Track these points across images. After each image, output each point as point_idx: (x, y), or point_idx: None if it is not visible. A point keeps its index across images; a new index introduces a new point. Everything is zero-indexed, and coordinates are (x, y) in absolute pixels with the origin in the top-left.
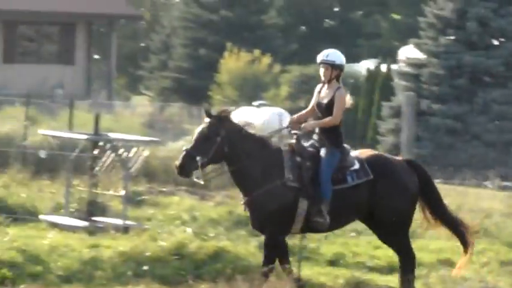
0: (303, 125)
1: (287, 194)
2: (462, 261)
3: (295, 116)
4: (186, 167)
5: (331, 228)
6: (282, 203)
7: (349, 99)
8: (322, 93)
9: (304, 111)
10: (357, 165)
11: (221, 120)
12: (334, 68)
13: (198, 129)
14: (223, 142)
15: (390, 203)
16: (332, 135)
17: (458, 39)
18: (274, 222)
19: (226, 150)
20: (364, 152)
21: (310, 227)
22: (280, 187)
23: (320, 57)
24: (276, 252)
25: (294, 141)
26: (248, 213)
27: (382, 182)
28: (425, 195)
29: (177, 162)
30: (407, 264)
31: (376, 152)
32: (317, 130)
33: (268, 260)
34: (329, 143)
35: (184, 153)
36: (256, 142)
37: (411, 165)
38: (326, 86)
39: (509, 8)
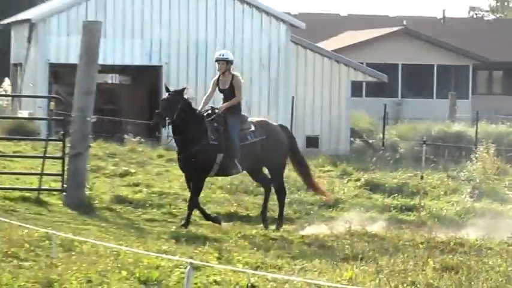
0: (219, 106)
1: (210, 150)
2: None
3: (204, 98)
4: (159, 122)
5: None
6: (208, 156)
7: (241, 80)
8: (220, 82)
9: (206, 96)
10: (252, 128)
11: (180, 94)
12: (227, 62)
13: (163, 99)
14: (181, 110)
15: (274, 154)
16: (235, 108)
17: None
18: (202, 169)
19: (182, 116)
20: (255, 119)
21: (224, 174)
22: (206, 145)
23: (217, 56)
24: (200, 190)
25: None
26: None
27: (268, 139)
28: (291, 150)
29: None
30: (282, 197)
31: (262, 119)
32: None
33: (195, 196)
34: (232, 113)
35: (157, 113)
36: (195, 114)
37: (282, 128)
38: (221, 76)
39: None
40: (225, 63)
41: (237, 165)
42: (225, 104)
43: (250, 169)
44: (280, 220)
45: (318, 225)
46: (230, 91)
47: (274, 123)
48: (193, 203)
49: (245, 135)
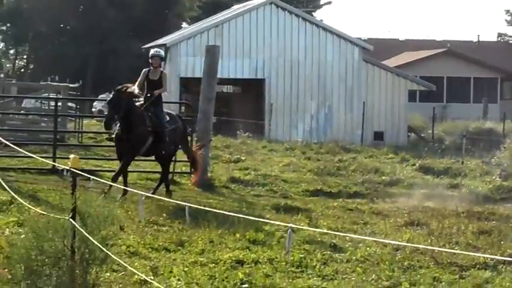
0: (154, 92)
1: (146, 134)
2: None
3: (136, 84)
4: (110, 122)
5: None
6: (144, 139)
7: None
8: (150, 74)
9: (138, 83)
10: (167, 118)
11: (123, 93)
12: (161, 59)
13: (109, 99)
14: (126, 106)
15: (182, 137)
16: (160, 99)
17: None
18: (136, 149)
19: (126, 110)
20: (165, 110)
21: (154, 153)
22: (144, 130)
23: (153, 52)
24: (127, 167)
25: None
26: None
27: (177, 127)
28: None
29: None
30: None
31: (168, 111)
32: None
33: (122, 171)
34: (158, 103)
35: (107, 113)
36: (135, 106)
37: (179, 117)
38: (152, 69)
39: None
40: (159, 59)
41: (166, 146)
42: (157, 91)
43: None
44: (156, 188)
45: (383, 199)
46: (159, 82)
47: (174, 113)
48: (118, 175)
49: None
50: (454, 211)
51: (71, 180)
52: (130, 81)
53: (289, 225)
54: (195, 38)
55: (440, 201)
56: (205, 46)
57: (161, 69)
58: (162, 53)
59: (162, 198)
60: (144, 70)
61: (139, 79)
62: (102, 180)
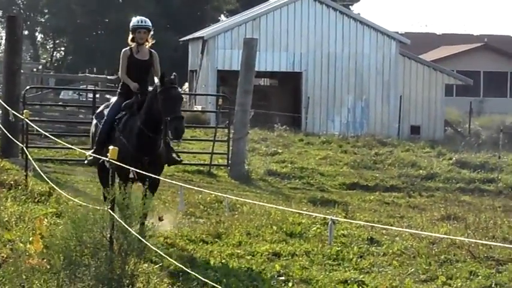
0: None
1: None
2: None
3: (126, 73)
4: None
5: None
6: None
7: None
8: (136, 54)
9: (126, 71)
10: None
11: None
12: (149, 31)
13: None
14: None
15: None
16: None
17: None
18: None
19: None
20: None
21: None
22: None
23: (137, 24)
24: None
25: None
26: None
27: None
28: None
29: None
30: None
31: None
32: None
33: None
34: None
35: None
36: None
37: None
38: (137, 47)
39: None
40: (147, 32)
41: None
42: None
43: None
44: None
45: (419, 193)
46: (150, 63)
47: None
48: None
49: None
50: (490, 205)
51: (110, 171)
52: (168, 74)
53: (330, 217)
54: (232, 31)
55: (477, 195)
56: (243, 39)
57: (148, 45)
58: (149, 22)
59: (201, 189)
60: (124, 50)
61: (121, 64)
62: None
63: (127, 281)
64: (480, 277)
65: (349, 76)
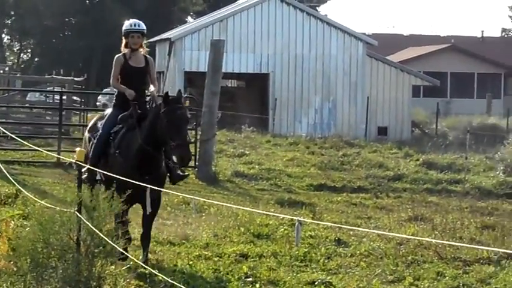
0: (152, 92)
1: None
2: None
3: (119, 81)
4: None
5: None
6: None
7: None
8: (131, 60)
9: (118, 79)
10: None
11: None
12: (143, 35)
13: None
14: None
15: None
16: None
17: None
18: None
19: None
20: None
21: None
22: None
23: (130, 27)
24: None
25: None
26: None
27: None
28: None
29: None
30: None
31: None
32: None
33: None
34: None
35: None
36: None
37: None
38: (130, 53)
39: None
40: (141, 37)
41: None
42: (153, 89)
43: None
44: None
45: (387, 194)
46: (145, 72)
47: None
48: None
49: None
50: (457, 206)
51: (77, 173)
52: None
53: (297, 218)
54: (199, 33)
55: (443, 196)
56: (210, 40)
57: (143, 50)
58: (143, 25)
59: (168, 191)
60: (117, 57)
61: (113, 71)
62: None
63: (94, 283)
64: (447, 278)
65: (316, 77)
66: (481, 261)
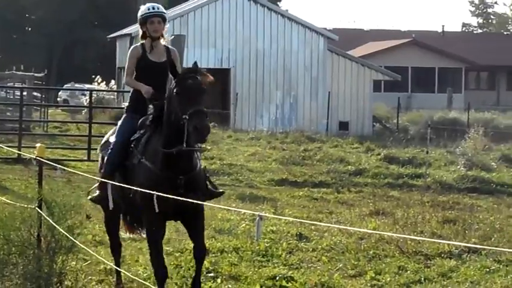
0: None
1: None
2: None
3: (135, 79)
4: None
5: None
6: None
7: None
8: (152, 53)
9: (134, 76)
10: None
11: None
12: (164, 21)
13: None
14: None
15: None
16: None
17: None
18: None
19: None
20: None
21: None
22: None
23: (148, 10)
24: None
25: None
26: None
27: None
28: None
29: None
30: None
31: None
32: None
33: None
34: None
35: None
36: None
37: None
38: (151, 43)
39: None
40: (162, 22)
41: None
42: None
43: None
44: None
45: (348, 188)
46: (168, 65)
47: None
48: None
49: None
50: (418, 200)
51: (37, 169)
52: (96, 71)
53: (258, 213)
54: None
55: (405, 190)
56: (171, 35)
57: (165, 41)
58: (163, 9)
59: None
60: (134, 47)
61: (127, 65)
62: (68, 169)
63: (55, 279)
64: (409, 272)
65: (278, 72)
66: (442, 255)
